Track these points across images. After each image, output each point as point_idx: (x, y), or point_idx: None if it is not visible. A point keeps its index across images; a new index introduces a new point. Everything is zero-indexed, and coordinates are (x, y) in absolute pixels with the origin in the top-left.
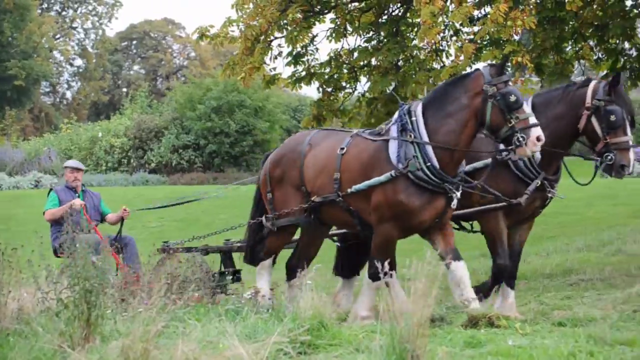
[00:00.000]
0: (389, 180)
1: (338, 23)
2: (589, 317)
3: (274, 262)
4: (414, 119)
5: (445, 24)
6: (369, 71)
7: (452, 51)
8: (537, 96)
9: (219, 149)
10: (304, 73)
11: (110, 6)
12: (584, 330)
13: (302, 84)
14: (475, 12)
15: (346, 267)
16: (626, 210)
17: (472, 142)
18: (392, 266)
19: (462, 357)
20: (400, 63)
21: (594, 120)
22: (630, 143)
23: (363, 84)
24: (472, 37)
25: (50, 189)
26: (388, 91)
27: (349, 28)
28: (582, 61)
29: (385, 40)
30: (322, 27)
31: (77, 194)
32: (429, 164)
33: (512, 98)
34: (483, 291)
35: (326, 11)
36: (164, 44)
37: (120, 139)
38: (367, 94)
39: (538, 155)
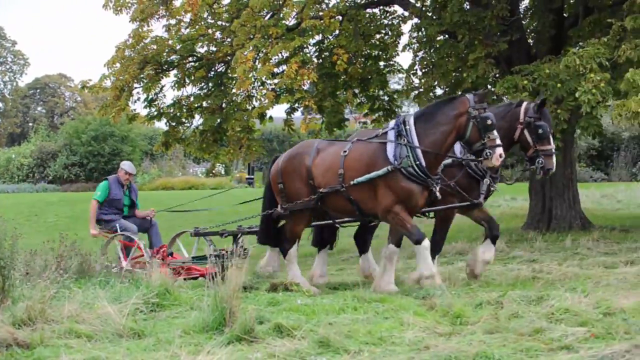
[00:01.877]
0: (385, 174)
1: (179, 77)
2: (355, 282)
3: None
4: (407, 127)
5: (255, 77)
6: (201, 111)
7: (259, 97)
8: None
9: (96, 166)
10: (155, 112)
11: (21, 65)
12: (351, 292)
13: (155, 120)
14: (276, 70)
15: (319, 241)
16: None
17: (450, 149)
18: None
19: (265, 312)
20: (224, 105)
21: (526, 132)
22: (553, 150)
23: (197, 120)
24: (273, 87)
25: (105, 179)
26: (215, 125)
27: (187, 80)
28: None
29: (212, 89)
30: (168, 80)
31: (125, 189)
32: (417, 162)
33: (489, 122)
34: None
35: (171, 69)
36: (59, 92)
37: (28, 159)
38: (200, 127)
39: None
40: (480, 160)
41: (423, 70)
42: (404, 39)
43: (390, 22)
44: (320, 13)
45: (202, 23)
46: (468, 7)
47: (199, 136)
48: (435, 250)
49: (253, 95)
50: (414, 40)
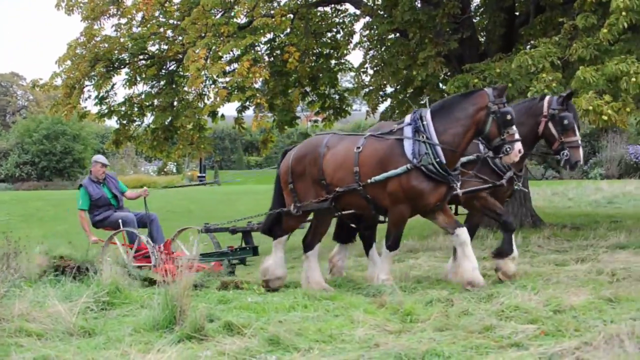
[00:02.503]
0: (404, 172)
1: (131, 75)
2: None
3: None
4: (425, 122)
5: (206, 76)
6: (152, 109)
7: (211, 95)
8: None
9: (48, 164)
10: (106, 110)
11: None
12: (301, 290)
13: (106, 118)
14: (227, 68)
15: (342, 235)
16: None
17: (469, 145)
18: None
19: (215, 310)
20: (175, 103)
21: (550, 125)
22: (580, 142)
23: (148, 118)
24: (225, 85)
25: (80, 185)
26: (166, 123)
27: (139, 78)
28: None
29: (164, 87)
30: (119, 78)
31: (101, 184)
32: (438, 159)
33: (509, 117)
34: (504, 250)
35: (122, 66)
36: (11, 90)
37: None
38: (151, 125)
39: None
40: (499, 157)
41: (374, 69)
42: (355, 38)
43: (341, 21)
44: (272, 11)
45: (154, 21)
46: (419, 5)
47: (150, 134)
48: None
49: (205, 93)
50: (365, 39)
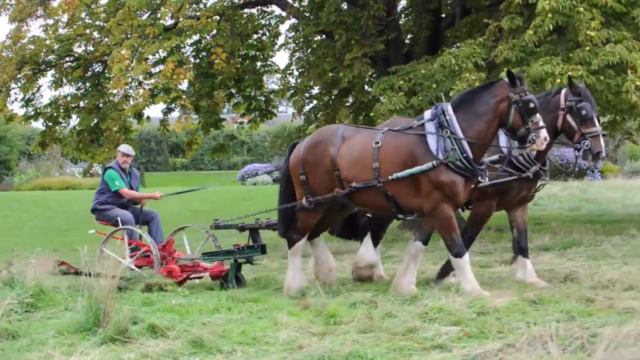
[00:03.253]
0: (430, 169)
1: (57, 77)
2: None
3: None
4: (448, 117)
5: (131, 77)
6: (78, 111)
7: (136, 96)
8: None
9: None
10: (32, 112)
11: None
12: (225, 292)
13: (32, 120)
14: (152, 69)
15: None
16: (260, 208)
17: (494, 138)
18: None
19: (139, 312)
20: (101, 105)
21: (569, 117)
22: (600, 132)
23: (74, 120)
24: (150, 86)
25: (109, 167)
26: (92, 125)
27: (65, 80)
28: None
29: (90, 88)
30: (45, 80)
31: (126, 174)
32: (465, 155)
33: (532, 105)
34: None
35: (48, 69)
36: None
37: None
38: (77, 127)
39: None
40: (525, 147)
41: (300, 71)
42: (281, 39)
43: (267, 22)
44: (198, 13)
45: (80, 23)
46: (345, 7)
47: (76, 136)
48: (521, 250)
49: (130, 95)
50: (291, 40)
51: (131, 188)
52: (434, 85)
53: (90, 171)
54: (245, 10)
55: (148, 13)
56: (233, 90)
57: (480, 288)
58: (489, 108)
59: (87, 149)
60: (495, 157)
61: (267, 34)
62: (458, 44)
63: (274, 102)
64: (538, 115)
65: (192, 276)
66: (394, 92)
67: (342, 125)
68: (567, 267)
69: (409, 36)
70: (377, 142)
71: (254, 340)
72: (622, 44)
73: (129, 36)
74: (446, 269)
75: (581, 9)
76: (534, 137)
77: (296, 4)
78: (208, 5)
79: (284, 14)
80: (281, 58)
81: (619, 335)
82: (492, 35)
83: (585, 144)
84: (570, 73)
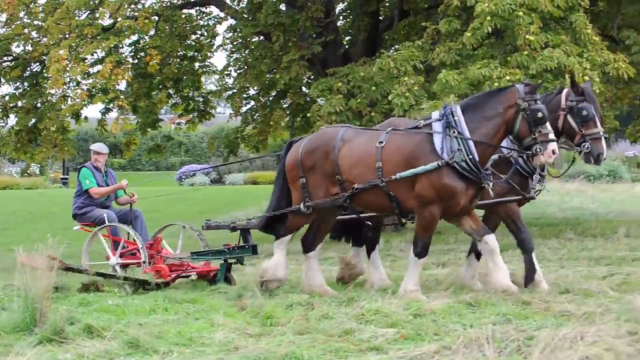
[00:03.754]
0: (434, 169)
1: None
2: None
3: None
4: (456, 118)
5: (69, 77)
6: (16, 111)
7: (74, 97)
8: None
9: None
10: None
11: None
12: (165, 292)
13: None
14: (90, 69)
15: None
16: (196, 209)
17: (500, 143)
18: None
19: (76, 312)
20: (39, 105)
21: (569, 118)
22: (602, 134)
23: (12, 120)
24: (88, 86)
25: (83, 167)
26: (30, 125)
27: (3, 80)
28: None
29: (28, 88)
30: None
31: (101, 174)
32: (471, 156)
33: (539, 115)
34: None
35: None
36: None
37: None
38: (15, 127)
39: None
40: (530, 156)
41: (237, 72)
42: (219, 40)
43: (206, 23)
44: (136, 13)
45: (19, 22)
46: (283, 8)
47: (14, 136)
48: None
49: (68, 95)
50: (229, 41)
51: (107, 186)
52: (373, 88)
53: (28, 171)
54: (184, 10)
55: (86, 13)
56: (171, 91)
57: (420, 294)
58: (496, 113)
59: (25, 148)
60: (495, 156)
61: (206, 34)
62: (396, 47)
63: (212, 103)
64: (548, 127)
65: (180, 276)
66: (333, 94)
67: (342, 128)
68: None
69: (347, 38)
70: (381, 142)
71: (190, 341)
72: (560, 49)
73: (67, 36)
74: (530, 271)
75: (520, 13)
76: (538, 149)
77: (234, 5)
78: (146, 6)
79: (222, 14)
80: (220, 59)
81: (555, 338)
82: (430, 38)
83: (586, 146)
84: (507, 77)
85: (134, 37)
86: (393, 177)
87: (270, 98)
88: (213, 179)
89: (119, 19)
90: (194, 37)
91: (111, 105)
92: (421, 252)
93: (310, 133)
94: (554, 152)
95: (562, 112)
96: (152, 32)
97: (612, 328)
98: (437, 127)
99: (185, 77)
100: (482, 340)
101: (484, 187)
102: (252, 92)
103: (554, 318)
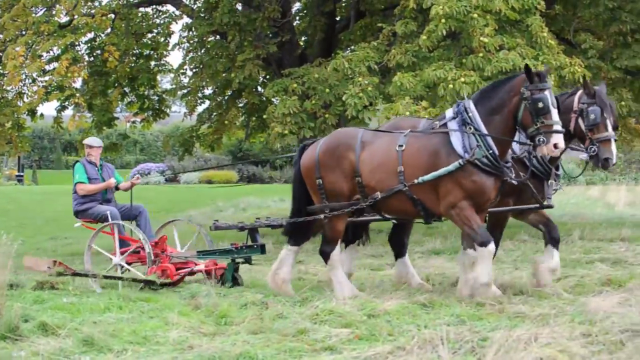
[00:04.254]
0: (456, 169)
1: None
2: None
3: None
4: (470, 114)
5: (26, 74)
6: None
7: (30, 93)
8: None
9: None
10: None
11: None
12: (116, 291)
13: None
14: (47, 67)
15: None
16: (151, 207)
17: (514, 135)
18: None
19: (30, 310)
20: None
21: (580, 121)
22: (612, 137)
23: None
24: (44, 83)
25: (76, 162)
26: None
27: None
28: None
29: None
30: None
31: (97, 168)
32: (491, 151)
33: (540, 105)
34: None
35: None
36: None
37: None
38: None
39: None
40: (533, 147)
41: (193, 71)
42: (175, 38)
43: (162, 21)
44: (92, 11)
45: None
46: (240, 8)
47: None
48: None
49: (24, 92)
50: (184, 40)
51: (103, 180)
52: (327, 90)
53: None
54: (140, 9)
55: (43, 10)
56: (127, 89)
57: (495, 287)
58: (503, 103)
59: None
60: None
61: (161, 32)
62: (352, 47)
63: (167, 101)
64: (553, 117)
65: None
66: (288, 95)
67: (360, 129)
68: (458, 271)
69: (303, 38)
70: (401, 145)
71: (144, 339)
72: (516, 51)
73: (23, 33)
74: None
75: (475, 15)
76: (541, 140)
77: (190, 4)
78: (103, 4)
79: (178, 13)
80: (176, 58)
81: (509, 339)
82: (385, 40)
83: (593, 149)
84: (462, 79)
85: (91, 35)
86: (416, 181)
87: (226, 97)
88: (168, 178)
89: (76, 17)
90: (150, 35)
91: (67, 102)
92: (483, 242)
93: (267, 134)
94: (556, 146)
95: (574, 115)
96: (108, 30)
97: (566, 330)
98: (453, 125)
99: (140, 76)
100: (436, 341)
101: (506, 180)
102: (207, 91)
103: (508, 319)
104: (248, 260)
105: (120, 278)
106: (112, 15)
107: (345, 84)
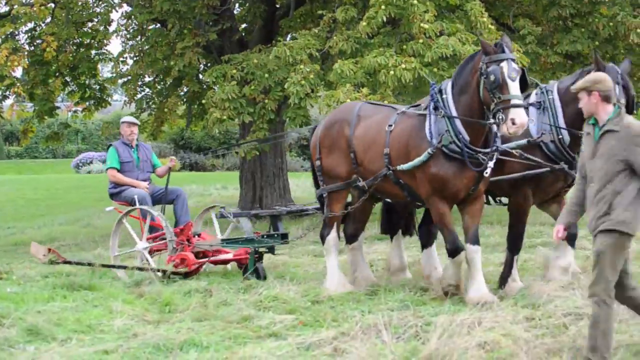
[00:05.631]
0: (428, 158)
1: None
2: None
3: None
4: (445, 96)
5: None
6: None
7: None
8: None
9: None
10: None
11: None
12: (63, 280)
13: None
14: None
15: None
16: (94, 196)
17: (482, 115)
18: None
19: None
20: None
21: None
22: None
23: None
24: None
25: (109, 145)
26: None
27: None
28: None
29: None
30: None
31: (132, 149)
32: (460, 136)
33: (492, 78)
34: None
35: None
36: None
37: None
38: None
39: (567, 137)
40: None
41: (133, 59)
42: (114, 26)
43: (102, 10)
44: (32, 0)
45: None
46: None
47: None
48: (512, 250)
49: None
50: (123, 28)
51: (139, 161)
52: (266, 75)
53: None
54: None
55: None
56: (68, 79)
57: (489, 292)
58: (468, 82)
59: None
60: (523, 141)
61: (102, 21)
62: (293, 34)
63: (109, 90)
64: (510, 90)
65: (212, 262)
66: (227, 81)
67: (359, 103)
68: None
69: (243, 26)
70: (391, 125)
71: (89, 328)
72: (456, 37)
73: None
74: (505, 273)
75: (415, 2)
76: (500, 118)
77: None
78: None
79: (117, 1)
80: (117, 46)
81: (453, 323)
82: (326, 26)
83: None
84: (403, 65)
85: (31, 25)
86: (397, 168)
87: (166, 85)
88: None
89: (15, 6)
90: (90, 24)
91: (7, 92)
92: (451, 249)
93: (205, 121)
94: (514, 122)
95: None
96: (48, 20)
97: (509, 314)
98: (430, 109)
99: (81, 65)
100: (379, 326)
101: (486, 169)
102: (147, 78)
103: (451, 304)
104: (271, 250)
105: (120, 267)
106: (52, 5)
107: (285, 69)
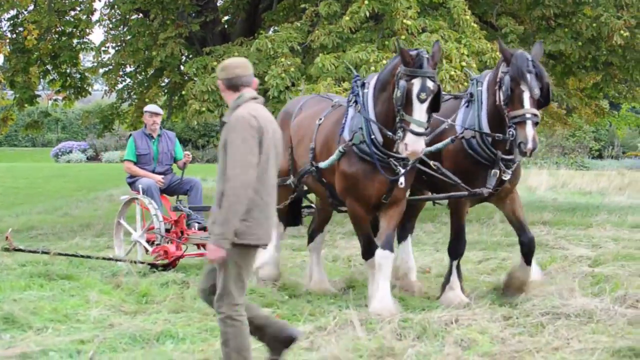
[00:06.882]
0: (339, 156)
1: None
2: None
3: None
4: (366, 91)
5: None
6: None
7: None
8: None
9: None
10: None
11: None
12: (40, 268)
13: None
14: None
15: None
16: (73, 185)
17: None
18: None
19: None
20: None
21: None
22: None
23: None
24: None
25: (130, 135)
26: None
27: None
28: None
29: None
30: None
31: (153, 140)
32: (373, 136)
33: (398, 94)
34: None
35: None
36: None
37: None
38: None
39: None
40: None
41: (115, 48)
42: (97, 16)
43: None
44: None
45: None
46: None
47: None
48: (452, 254)
49: None
50: (106, 17)
51: (157, 153)
52: None
53: None
54: None
55: None
56: (49, 67)
57: (394, 304)
58: (387, 81)
59: None
60: (448, 140)
61: (84, 10)
62: (275, 28)
63: (90, 79)
64: (414, 113)
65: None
66: (207, 73)
67: (310, 96)
68: None
69: (226, 18)
70: (321, 119)
71: (65, 317)
72: (438, 34)
73: None
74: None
75: None
76: (399, 136)
77: None
78: None
79: None
80: (99, 36)
81: (430, 320)
82: (309, 20)
83: (511, 132)
84: (385, 61)
85: (13, 12)
86: (320, 165)
87: (148, 76)
88: (90, 156)
89: None
90: (72, 13)
91: None
92: (364, 253)
93: (184, 112)
94: (407, 148)
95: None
96: (31, 7)
97: (487, 312)
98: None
99: (62, 54)
100: (355, 322)
101: (399, 174)
102: (129, 68)
103: (429, 301)
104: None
105: (75, 255)
106: None
107: (266, 62)
